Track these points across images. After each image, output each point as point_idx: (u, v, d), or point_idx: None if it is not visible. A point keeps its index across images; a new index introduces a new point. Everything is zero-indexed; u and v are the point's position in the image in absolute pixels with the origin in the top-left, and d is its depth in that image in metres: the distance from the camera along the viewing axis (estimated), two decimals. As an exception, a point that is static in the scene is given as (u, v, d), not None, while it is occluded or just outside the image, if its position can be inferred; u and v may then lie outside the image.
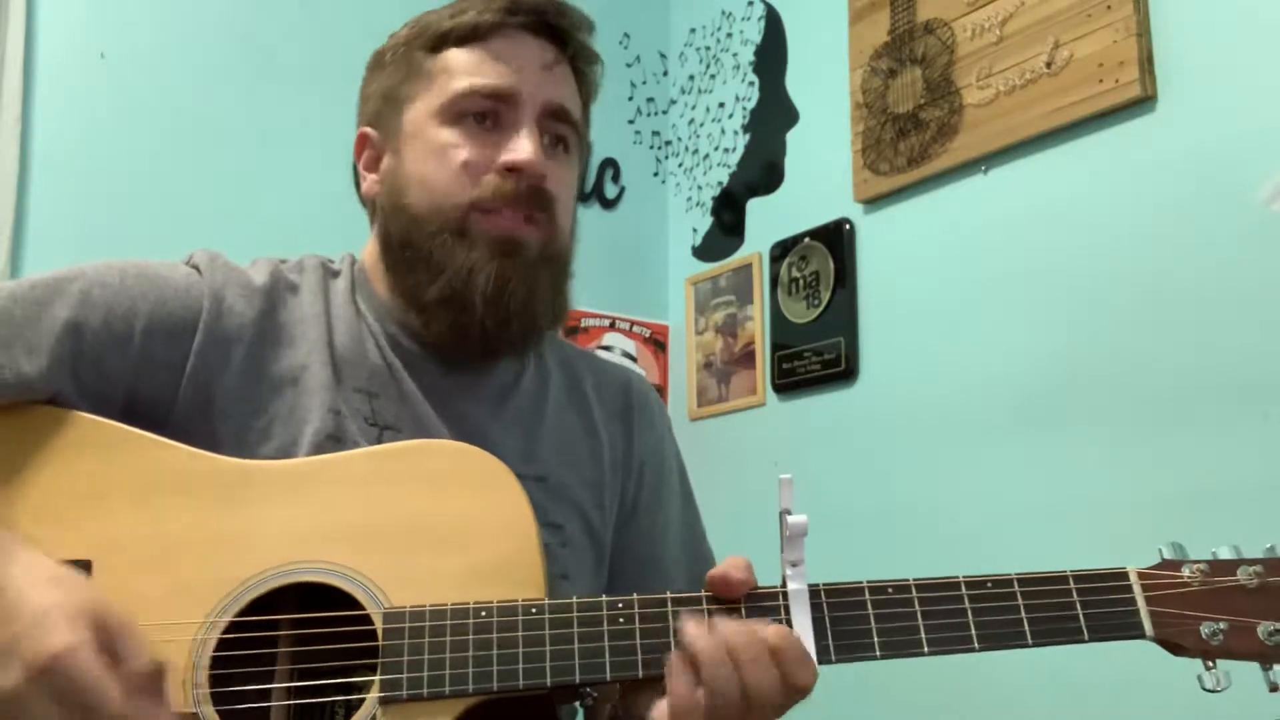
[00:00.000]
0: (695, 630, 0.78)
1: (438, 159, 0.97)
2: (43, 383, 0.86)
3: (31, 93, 2.14)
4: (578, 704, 0.94)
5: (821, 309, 2.39)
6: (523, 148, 0.96)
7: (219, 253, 0.99)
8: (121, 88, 2.24)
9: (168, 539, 0.83)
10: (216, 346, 0.93)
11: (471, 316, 0.94)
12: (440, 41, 1.00)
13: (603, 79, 1.08)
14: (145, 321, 0.91)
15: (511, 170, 0.96)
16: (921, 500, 2.11)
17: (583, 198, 2.81)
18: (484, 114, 0.97)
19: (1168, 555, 0.83)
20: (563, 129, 1.01)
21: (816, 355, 2.39)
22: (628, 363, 2.66)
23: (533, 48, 1.00)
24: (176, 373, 0.91)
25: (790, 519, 0.81)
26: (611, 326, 2.76)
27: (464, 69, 0.98)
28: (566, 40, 1.02)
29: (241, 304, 0.95)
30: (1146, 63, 1.84)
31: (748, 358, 2.58)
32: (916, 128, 2.22)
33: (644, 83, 2.98)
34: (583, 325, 2.71)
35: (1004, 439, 1.99)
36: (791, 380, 2.44)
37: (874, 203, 2.32)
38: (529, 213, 0.97)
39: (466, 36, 0.99)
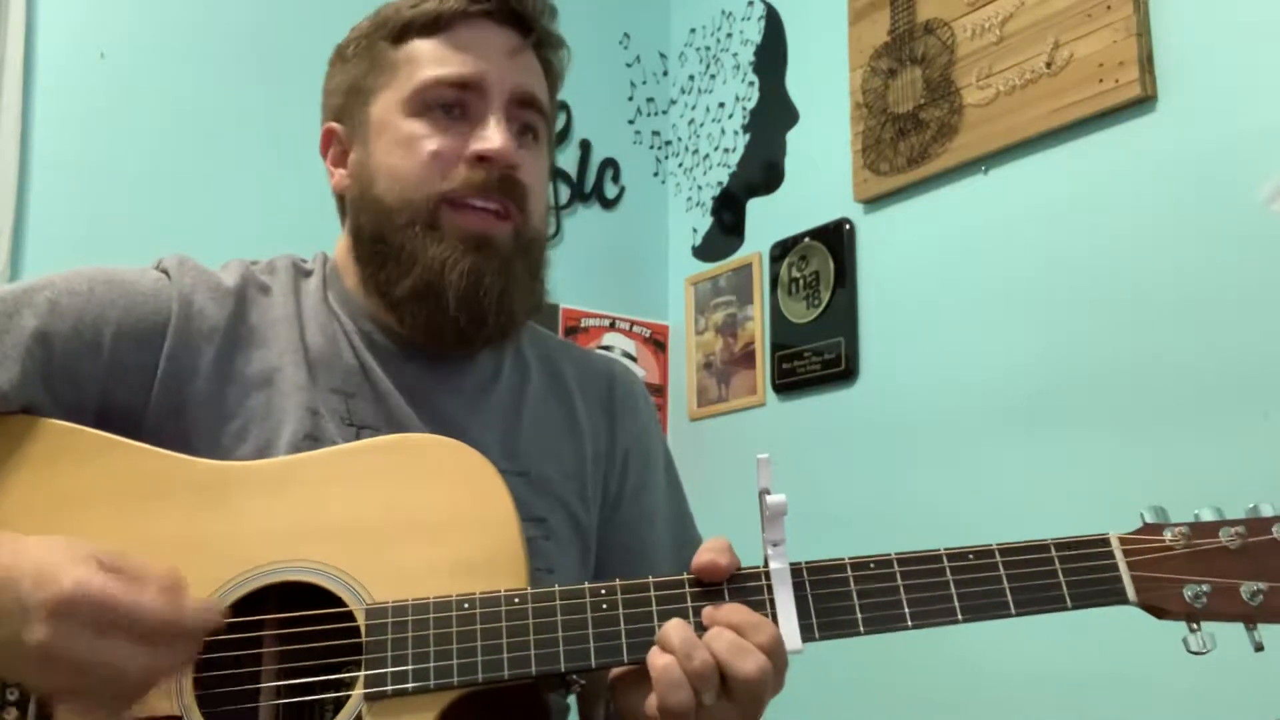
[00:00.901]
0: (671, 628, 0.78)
1: (406, 150, 0.96)
2: (14, 393, 0.85)
3: (31, 93, 2.15)
4: (565, 692, 0.93)
5: (821, 309, 2.39)
6: (492, 137, 0.95)
7: (188, 256, 0.98)
8: (121, 88, 2.24)
9: (147, 544, 0.82)
10: (187, 350, 0.92)
11: (445, 313, 0.94)
12: (403, 32, 0.99)
13: (569, 63, 1.07)
14: (115, 328, 0.90)
15: (482, 160, 0.95)
16: (921, 500, 2.11)
17: (583, 198, 2.82)
18: (451, 104, 0.96)
19: (1149, 519, 0.83)
20: (531, 116, 1.00)
21: (816, 355, 2.38)
22: (622, 359, 2.65)
23: (497, 35, 0.99)
24: (148, 378, 0.91)
25: (769, 498, 0.80)
26: (611, 326, 2.75)
27: (429, 59, 0.97)
28: (530, 26, 1.01)
29: (211, 307, 0.95)
30: (1146, 63, 1.83)
31: (748, 358, 2.58)
32: (916, 128, 2.21)
33: (644, 83, 2.98)
34: (583, 325, 2.71)
35: (1004, 439, 1.99)
36: (791, 380, 2.44)
37: (874, 203, 2.32)
38: (501, 203, 0.96)
39: (430, 26, 0.98)
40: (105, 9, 2.26)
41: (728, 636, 0.76)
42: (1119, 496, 1.77)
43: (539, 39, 1.02)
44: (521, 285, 0.97)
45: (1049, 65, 1.98)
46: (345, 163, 1.02)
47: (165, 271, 0.96)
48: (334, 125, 1.04)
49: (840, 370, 2.32)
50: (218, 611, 0.76)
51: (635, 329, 2.79)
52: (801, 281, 2.45)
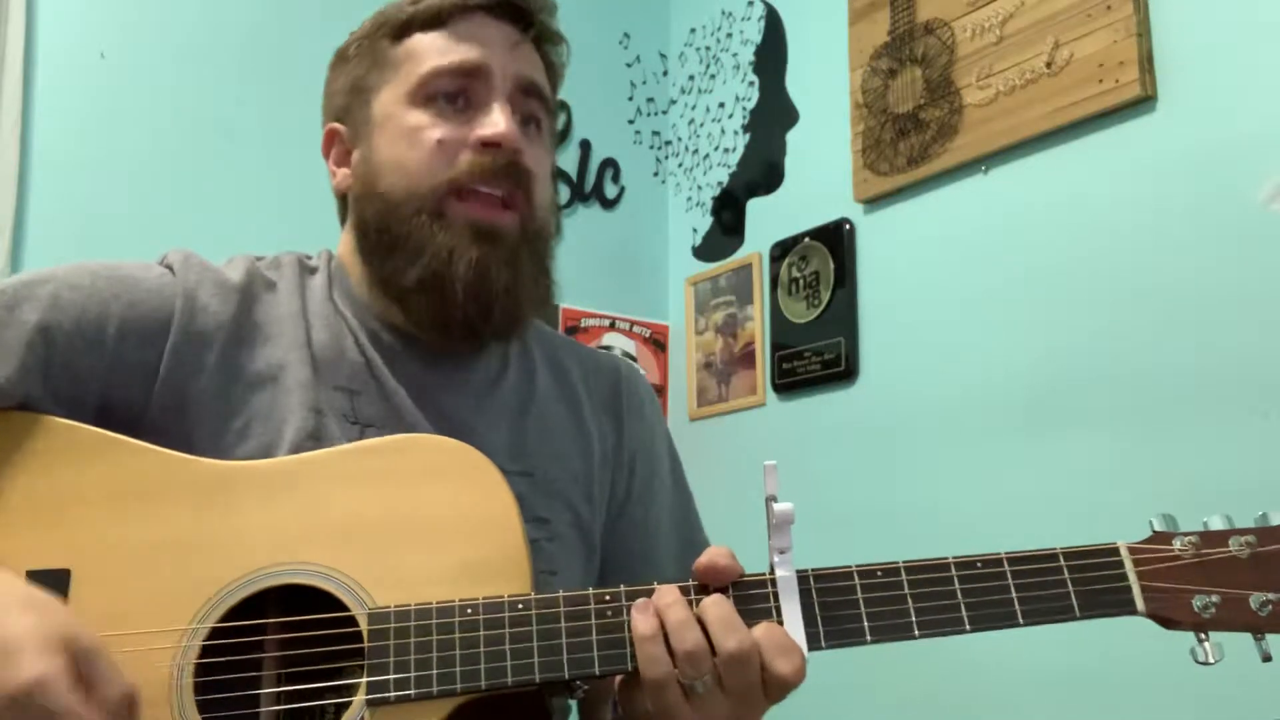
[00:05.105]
0: (664, 600, 0.78)
1: (411, 141, 0.95)
2: (13, 387, 0.84)
3: (31, 93, 2.14)
4: (569, 696, 0.93)
5: (821, 309, 2.39)
6: (497, 121, 0.94)
7: (192, 252, 0.97)
8: (121, 88, 2.24)
9: (147, 545, 0.82)
10: (190, 346, 0.91)
11: (453, 303, 0.93)
12: (404, 29, 0.99)
13: (569, 59, 1.06)
14: (117, 323, 0.89)
15: (488, 145, 0.94)
16: (922, 500, 2.11)
17: (582, 197, 2.82)
18: (455, 93, 0.96)
19: (1159, 527, 0.82)
20: (534, 105, 1.00)
21: (816, 355, 2.38)
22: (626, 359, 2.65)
23: (497, 28, 0.99)
24: (150, 374, 0.89)
25: (776, 506, 0.80)
26: (611, 326, 2.75)
27: (431, 51, 0.97)
28: (530, 21, 1.01)
29: (216, 303, 0.93)
30: (1146, 63, 1.83)
31: (748, 358, 2.58)
32: (916, 128, 2.21)
33: (644, 83, 2.97)
34: (583, 325, 2.71)
35: (1004, 439, 1.99)
36: (791, 380, 2.44)
37: (874, 203, 2.32)
38: (508, 191, 0.95)
39: (430, 21, 0.98)
40: (105, 9, 2.26)
41: (716, 612, 0.76)
42: (1119, 496, 1.77)
43: (539, 33, 1.02)
44: (528, 279, 0.96)
45: (1049, 65, 1.97)
46: (348, 162, 1.01)
47: (169, 267, 0.95)
48: (336, 126, 1.03)
49: (840, 370, 2.32)
50: None
51: (635, 329, 2.79)
52: (801, 281, 2.45)
